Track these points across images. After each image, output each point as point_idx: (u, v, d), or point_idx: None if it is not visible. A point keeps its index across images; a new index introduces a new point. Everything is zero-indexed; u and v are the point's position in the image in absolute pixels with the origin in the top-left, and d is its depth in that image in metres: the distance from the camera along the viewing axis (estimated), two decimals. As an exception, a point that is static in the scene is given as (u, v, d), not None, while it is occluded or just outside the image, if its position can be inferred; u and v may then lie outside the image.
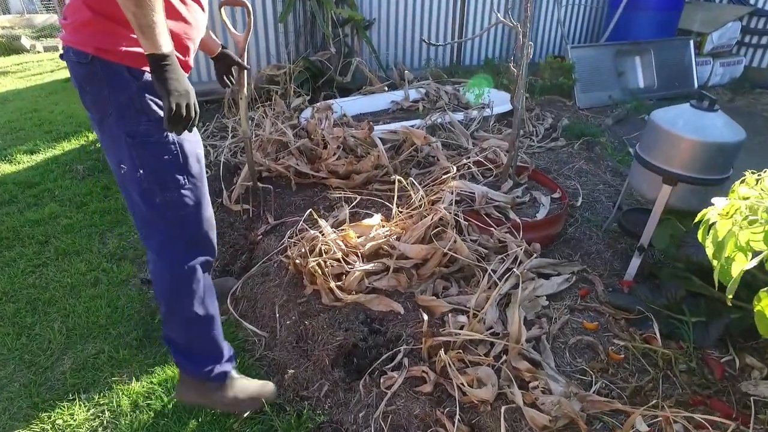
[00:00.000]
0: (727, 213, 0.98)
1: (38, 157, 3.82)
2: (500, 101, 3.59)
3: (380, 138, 3.01)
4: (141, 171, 1.28)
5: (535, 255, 2.02)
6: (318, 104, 3.53)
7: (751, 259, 0.89)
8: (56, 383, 1.81)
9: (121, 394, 1.73)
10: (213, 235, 1.48)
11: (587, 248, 2.21)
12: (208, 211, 1.44)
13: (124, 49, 1.18)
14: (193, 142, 1.34)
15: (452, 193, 2.16)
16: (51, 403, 1.73)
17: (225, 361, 1.56)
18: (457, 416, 1.40)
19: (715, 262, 0.93)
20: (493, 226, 2.05)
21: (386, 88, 4.11)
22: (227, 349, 1.58)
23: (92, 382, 1.80)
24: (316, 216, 2.16)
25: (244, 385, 1.60)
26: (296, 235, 2.21)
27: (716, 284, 0.95)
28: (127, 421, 1.63)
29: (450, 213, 1.99)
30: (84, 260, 2.49)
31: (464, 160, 2.54)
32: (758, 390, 1.43)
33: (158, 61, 1.11)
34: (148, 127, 1.25)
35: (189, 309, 1.43)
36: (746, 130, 1.75)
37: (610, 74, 4.17)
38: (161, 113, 1.23)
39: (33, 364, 1.89)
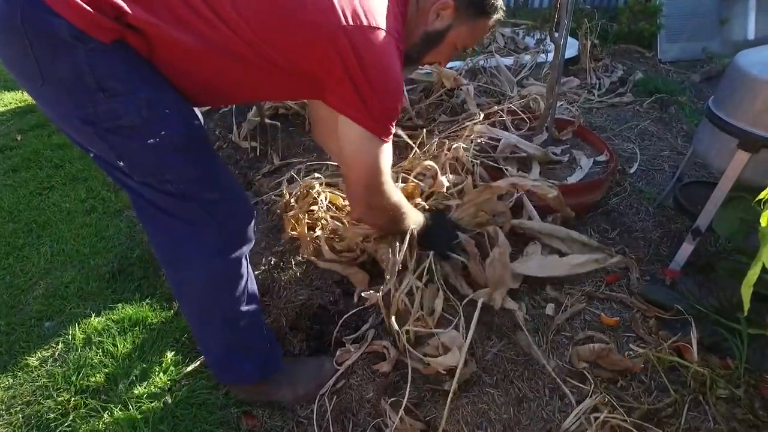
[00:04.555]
0: None
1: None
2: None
3: (411, 78, 2.66)
4: (121, 162, 0.94)
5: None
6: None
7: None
8: (26, 307, 1.77)
9: (78, 327, 1.64)
10: (242, 212, 1.12)
11: (630, 224, 1.79)
12: (234, 191, 1.11)
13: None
14: (184, 113, 0.99)
15: (472, 142, 1.82)
16: (14, 327, 1.68)
17: (271, 354, 1.29)
18: (403, 407, 1.14)
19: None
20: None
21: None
22: (268, 336, 1.29)
23: (57, 311, 1.74)
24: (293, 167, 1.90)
25: (299, 371, 1.34)
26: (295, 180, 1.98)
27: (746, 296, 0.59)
28: (75, 357, 1.55)
29: (468, 157, 1.66)
30: (87, 187, 2.44)
31: (495, 108, 2.15)
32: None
33: None
34: (111, 105, 0.87)
35: (229, 308, 1.15)
36: None
37: (708, 21, 3.43)
38: (125, 86, 0.88)
39: (11, 285, 1.87)
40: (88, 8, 0.81)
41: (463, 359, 1.15)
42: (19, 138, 3.05)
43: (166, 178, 0.97)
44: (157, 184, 0.98)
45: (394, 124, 1.05)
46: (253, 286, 1.21)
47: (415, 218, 1.35)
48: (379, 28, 0.95)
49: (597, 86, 2.87)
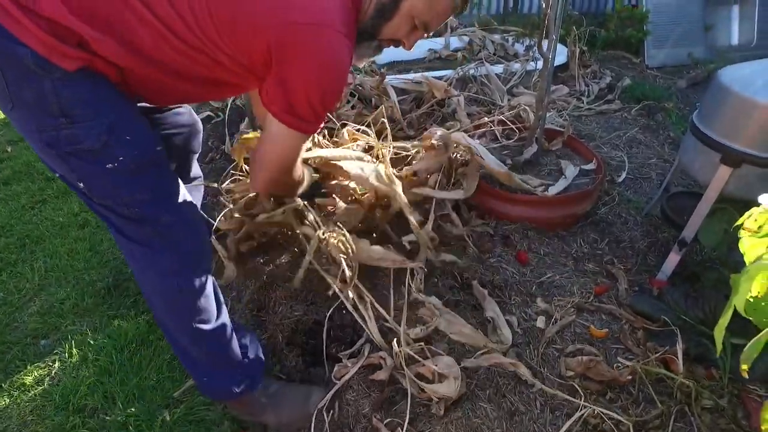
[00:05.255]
0: (761, 228, 0.62)
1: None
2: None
3: (402, 88, 2.68)
4: (81, 184, 0.98)
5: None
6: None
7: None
8: (21, 325, 1.77)
9: (74, 345, 1.65)
10: (197, 236, 1.15)
11: (619, 234, 1.83)
12: (188, 214, 1.12)
13: (35, 28, 0.83)
14: (144, 138, 1.01)
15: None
16: (10, 345, 1.69)
17: (249, 370, 1.28)
18: (405, 425, 1.17)
19: (741, 294, 0.59)
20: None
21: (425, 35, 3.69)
22: (247, 352, 1.28)
23: (53, 328, 1.74)
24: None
25: (286, 397, 1.33)
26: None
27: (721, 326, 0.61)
28: (71, 375, 1.56)
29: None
30: (79, 200, 2.42)
31: (485, 119, 2.18)
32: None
33: None
34: (73, 130, 0.90)
35: (193, 325, 1.15)
36: None
37: (694, 27, 3.48)
38: (87, 113, 0.91)
39: (5, 303, 1.86)
40: (49, 37, 0.84)
41: (458, 392, 1.20)
42: (9, 149, 3.03)
43: (123, 201, 1.00)
44: (115, 207, 1.01)
45: (323, 120, 1.05)
46: (219, 302, 1.22)
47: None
48: (313, 24, 0.93)
49: (586, 93, 2.91)
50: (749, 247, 0.62)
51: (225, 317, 1.21)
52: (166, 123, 1.37)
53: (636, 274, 1.66)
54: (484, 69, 2.89)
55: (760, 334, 0.58)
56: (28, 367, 1.60)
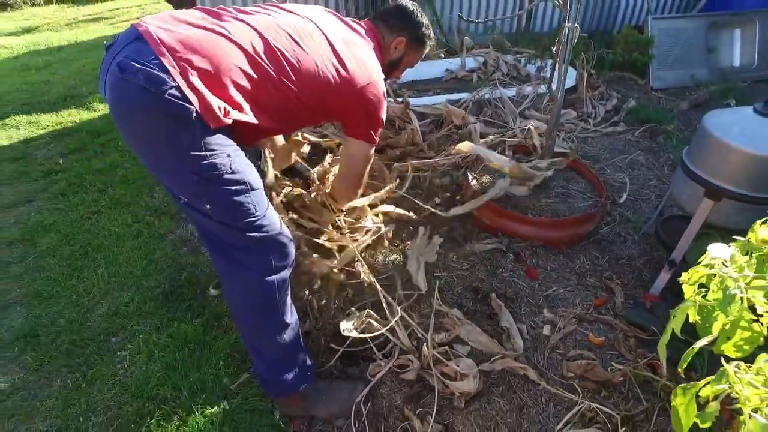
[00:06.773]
0: (688, 279, 0.87)
1: (110, 107, 4.12)
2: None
3: (422, 112, 2.92)
4: (208, 206, 1.26)
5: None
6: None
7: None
8: (93, 324, 2.03)
9: (141, 343, 1.91)
10: (287, 241, 1.42)
11: (618, 252, 2.06)
12: (277, 219, 1.40)
13: (203, 98, 1.16)
14: (250, 166, 1.33)
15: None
16: (87, 341, 1.95)
17: (307, 367, 1.56)
18: (434, 415, 1.41)
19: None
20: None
21: (442, 55, 3.93)
22: (305, 350, 1.57)
23: (121, 328, 2.00)
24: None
25: (333, 393, 1.58)
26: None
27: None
28: (141, 370, 1.81)
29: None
30: (131, 212, 2.70)
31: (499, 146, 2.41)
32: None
33: None
34: (212, 161, 1.21)
35: (278, 319, 1.45)
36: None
37: (697, 50, 3.68)
38: (221, 149, 1.24)
39: (78, 304, 2.13)
40: (209, 108, 1.18)
41: (477, 388, 1.44)
42: (61, 162, 3.32)
43: (238, 216, 1.30)
44: (231, 222, 1.30)
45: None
46: (291, 302, 1.50)
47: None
48: (377, 81, 1.49)
49: (593, 115, 3.12)
50: (685, 289, 0.86)
51: (296, 314, 1.50)
52: None
53: (632, 288, 1.89)
54: (498, 92, 3.11)
55: (691, 347, 0.81)
56: (105, 361, 1.86)
